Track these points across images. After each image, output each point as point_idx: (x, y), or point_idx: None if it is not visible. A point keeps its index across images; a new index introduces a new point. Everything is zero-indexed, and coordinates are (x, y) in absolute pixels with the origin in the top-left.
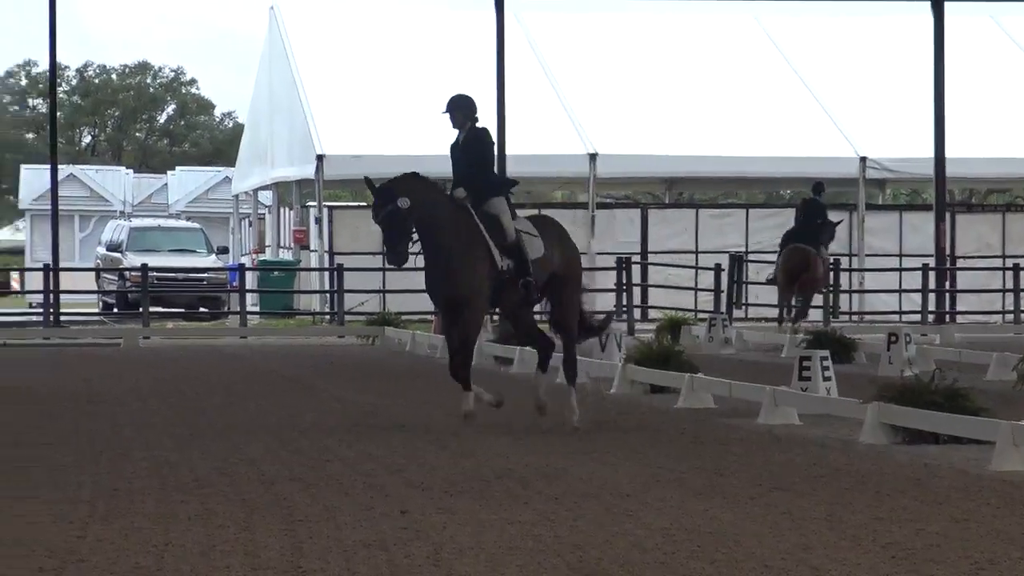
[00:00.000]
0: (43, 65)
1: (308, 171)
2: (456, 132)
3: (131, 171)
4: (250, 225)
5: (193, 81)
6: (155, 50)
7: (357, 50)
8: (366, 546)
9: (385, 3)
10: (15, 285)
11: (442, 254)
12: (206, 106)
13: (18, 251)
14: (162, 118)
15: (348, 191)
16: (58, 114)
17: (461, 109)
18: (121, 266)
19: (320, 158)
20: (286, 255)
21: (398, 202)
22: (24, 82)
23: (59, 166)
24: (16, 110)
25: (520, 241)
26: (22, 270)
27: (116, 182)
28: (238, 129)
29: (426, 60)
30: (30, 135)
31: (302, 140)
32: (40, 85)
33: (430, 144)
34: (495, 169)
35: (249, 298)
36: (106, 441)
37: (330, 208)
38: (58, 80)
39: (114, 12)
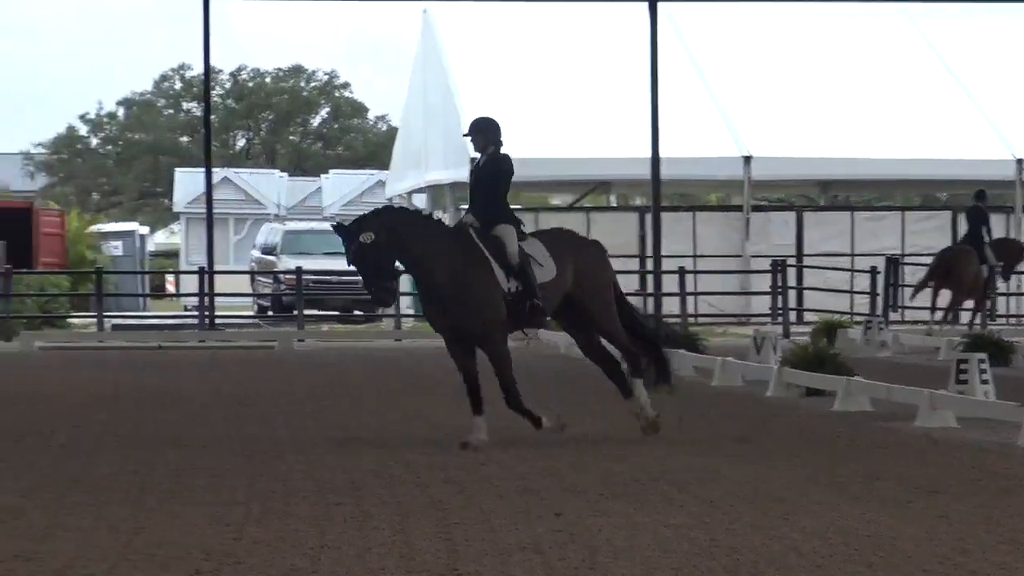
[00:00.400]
0: (197, 69)
1: (462, 174)
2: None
3: (285, 174)
4: None
5: (347, 84)
6: (308, 54)
7: (510, 52)
8: (521, 549)
9: (538, 5)
10: (170, 288)
11: (442, 285)
12: (359, 109)
13: (173, 254)
14: (316, 121)
15: None
16: (212, 118)
17: (482, 133)
18: (275, 269)
19: (473, 161)
20: None
21: (361, 238)
22: (178, 86)
23: (213, 169)
24: (171, 114)
25: (525, 263)
26: (177, 273)
27: (270, 185)
28: (392, 132)
29: (580, 62)
30: (185, 138)
31: (456, 143)
32: (194, 89)
33: (584, 146)
34: (505, 197)
35: (403, 301)
36: (261, 444)
37: None
38: (212, 84)
39: (267, 16)
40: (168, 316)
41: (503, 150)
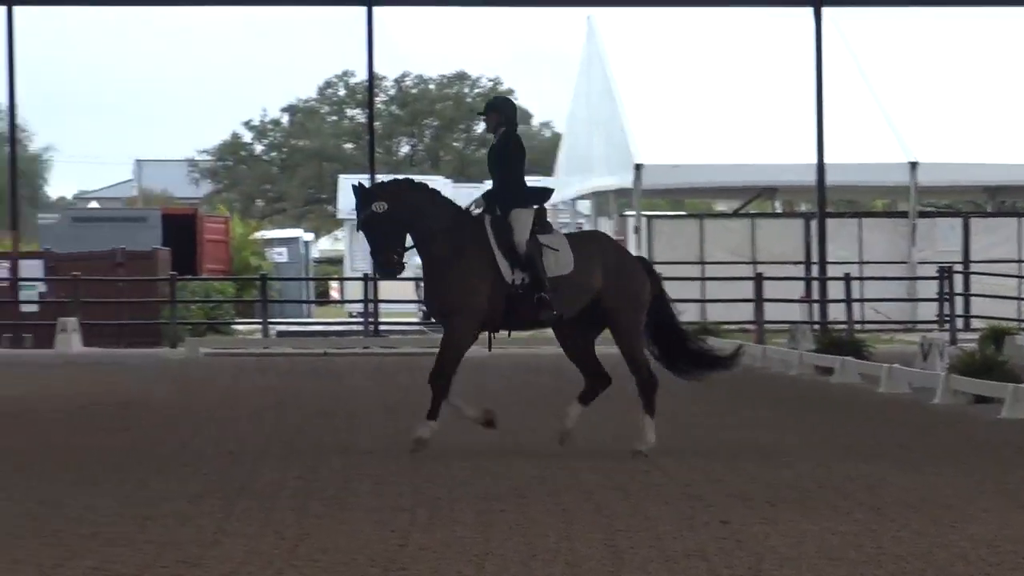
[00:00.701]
0: (361, 76)
1: (626, 180)
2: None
3: (449, 180)
4: None
5: (511, 91)
6: (472, 61)
7: (674, 58)
8: (686, 556)
9: (701, 11)
10: (334, 295)
11: (435, 265)
12: (523, 116)
13: (337, 260)
14: (480, 128)
15: (666, 200)
16: (376, 124)
17: (497, 111)
18: None
19: (638, 167)
20: None
21: (374, 206)
22: (342, 92)
23: (377, 176)
24: (335, 120)
25: (533, 254)
26: (342, 279)
27: None
28: (555, 139)
29: (744, 68)
30: (348, 145)
31: (619, 149)
32: (358, 96)
33: (749, 152)
34: (522, 177)
35: None
36: (426, 450)
37: (648, 218)
38: (376, 91)
39: (430, 24)
40: (333, 323)
41: (519, 130)
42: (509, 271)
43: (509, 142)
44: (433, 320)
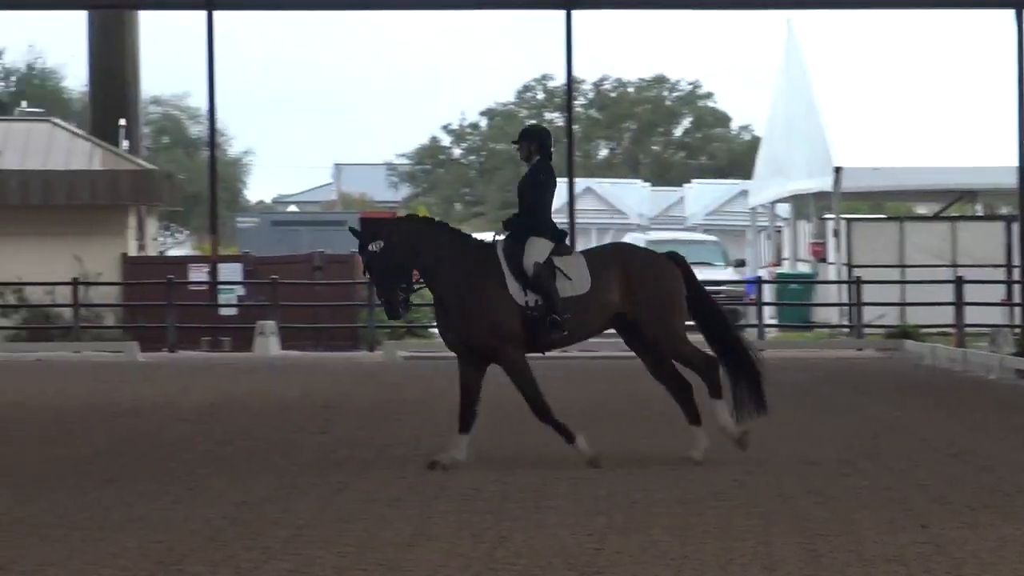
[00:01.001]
0: (559, 79)
1: (825, 184)
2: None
3: (647, 184)
4: (767, 238)
5: (709, 94)
6: (671, 64)
7: (873, 61)
8: (886, 561)
9: (901, 13)
10: None
11: (447, 292)
12: (722, 119)
13: None
14: (678, 131)
15: (866, 204)
16: (575, 128)
17: (528, 140)
18: None
19: (837, 170)
20: (804, 268)
21: (370, 247)
22: (540, 96)
23: (576, 180)
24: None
25: (542, 275)
26: None
27: (633, 195)
28: (754, 142)
29: (944, 70)
30: None
31: (819, 152)
32: (557, 99)
33: (950, 155)
34: (547, 209)
35: (767, 311)
36: (623, 454)
37: (848, 221)
38: (574, 94)
39: (630, 27)
40: None
41: (552, 161)
42: (521, 294)
43: (540, 171)
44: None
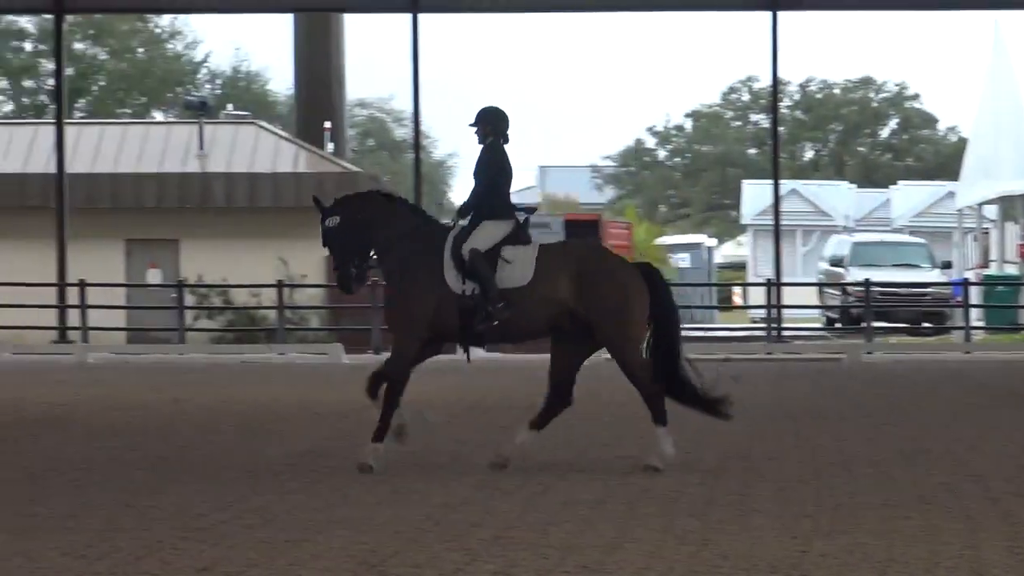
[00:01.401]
0: (765, 81)
1: None
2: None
3: (853, 186)
4: (974, 240)
5: (916, 95)
6: (878, 65)
7: None
8: None
9: None
10: (737, 300)
11: (387, 276)
12: (929, 120)
13: (740, 266)
14: (885, 132)
15: None
16: (780, 129)
17: (483, 122)
18: (843, 281)
19: None
20: (1011, 270)
21: (327, 222)
22: (746, 98)
23: (781, 181)
24: (738, 126)
25: (478, 264)
26: (744, 285)
27: (838, 197)
28: (961, 143)
29: None
30: (752, 150)
31: None
32: (762, 101)
33: None
34: (500, 193)
35: (973, 313)
36: (829, 457)
37: None
38: (780, 96)
39: (836, 28)
40: (736, 328)
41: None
42: (458, 282)
43: (490, 154)
44: (834, 325)
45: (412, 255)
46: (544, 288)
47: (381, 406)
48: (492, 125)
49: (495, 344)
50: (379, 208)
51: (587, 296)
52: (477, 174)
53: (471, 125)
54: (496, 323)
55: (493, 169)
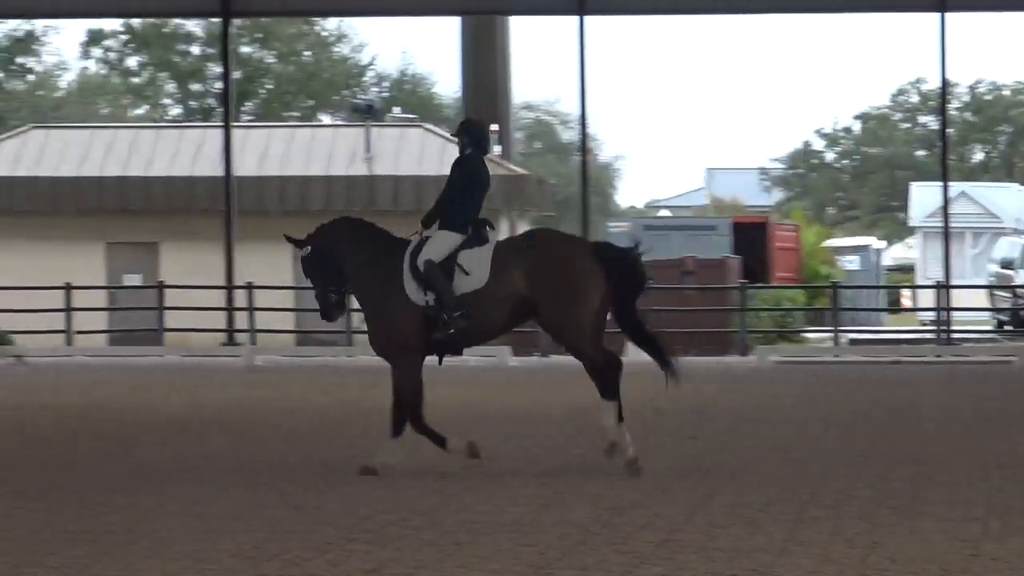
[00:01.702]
0: (933, 82)
1: None
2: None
3: (1023, 188)
4: None
5: None
6: None
7: None
8: None
9: None
10: (906, 302)
11: (361, 303)
12: None
13: (908, 268)
14: None
15: None
16: (949, 131)
17: (463, 134)
18: (1013, 283)
19: None
20: None
21: (301, 253)
22: (915, 99)
23: (950, 183)
24: (907, 128)
25: (432, 273)
26: (913, 287)
27: (1009, 199)
28: None
29: None
30: (921, 152)
31: None
32: (931, 102)
33: None
34: (463, 203)
35: None
36: (1001, 460)
37: None
38: (949, 97)
39: (1006, 29)
40: (904, 331)
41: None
42: (418, 293)
43: (460, 166)
44: (1004, 328)
45: (376, 279)
46: (500, 289)
47: (427, 436)
48: (470, 137)
49: (459, 350)
50: (345, 235)
51: (538, 286)
52: (446, 185)
53: (453, 135)
54: (452, 331)
55: (463, 182)
